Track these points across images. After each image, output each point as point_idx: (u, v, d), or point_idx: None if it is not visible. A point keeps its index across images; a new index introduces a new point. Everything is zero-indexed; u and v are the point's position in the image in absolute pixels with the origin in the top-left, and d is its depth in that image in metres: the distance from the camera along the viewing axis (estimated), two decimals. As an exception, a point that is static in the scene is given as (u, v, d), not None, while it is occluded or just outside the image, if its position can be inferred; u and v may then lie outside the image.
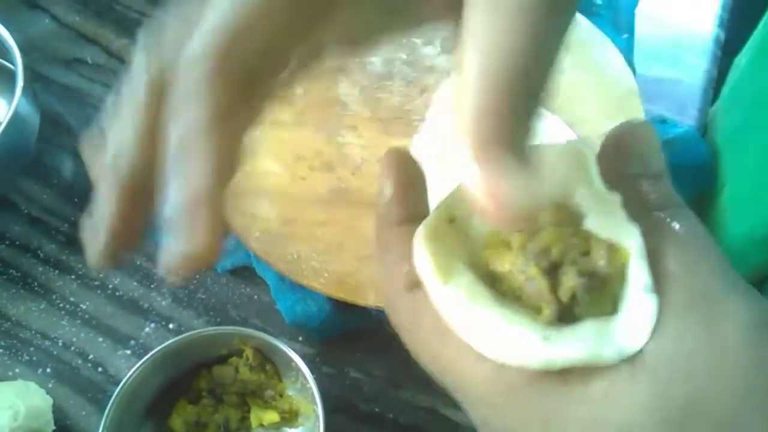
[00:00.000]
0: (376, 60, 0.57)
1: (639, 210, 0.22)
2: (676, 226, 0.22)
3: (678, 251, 0.21)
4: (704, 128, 0.58)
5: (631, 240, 0.22)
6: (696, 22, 0.63)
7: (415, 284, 0.23)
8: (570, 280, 0.21)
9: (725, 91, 0.58)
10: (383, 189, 0.24)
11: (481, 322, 0.21)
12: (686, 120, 0.58)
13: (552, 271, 0.22)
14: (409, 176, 0.24)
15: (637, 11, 0.59)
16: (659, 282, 0.21)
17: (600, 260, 0.22)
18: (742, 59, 0.56)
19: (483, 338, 0.21)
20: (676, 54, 0.61)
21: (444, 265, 0.22)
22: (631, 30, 0.58)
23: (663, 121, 0.55)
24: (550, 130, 0.51)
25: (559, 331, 0.21)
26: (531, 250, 0.22)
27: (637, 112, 0.53)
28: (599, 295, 0.22)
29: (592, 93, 0.54)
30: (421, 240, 0.23)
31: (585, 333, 0.21)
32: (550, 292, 0.22)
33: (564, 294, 0.22)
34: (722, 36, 0.63)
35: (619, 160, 0.23)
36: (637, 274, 0.21)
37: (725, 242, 0.53)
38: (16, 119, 0.50)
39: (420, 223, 0.23)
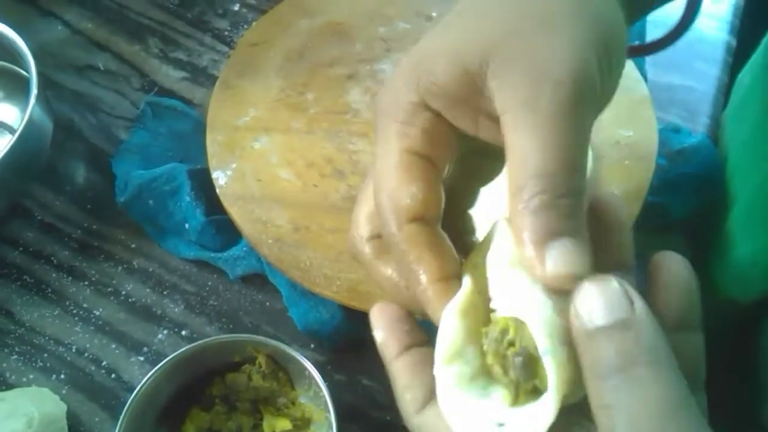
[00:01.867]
0: (386, 67, 0.58)
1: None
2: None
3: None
4: (715, 138, 0.58)
5: (530, 310, 0.23)
6: (707, 29, 0.63)
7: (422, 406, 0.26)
8: (509, 362, 0.23)
9: (729, 108, 0.58)
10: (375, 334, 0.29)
11: (459, 405, 0.24)
12: (697, 127, 0.58)
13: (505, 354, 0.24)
14: (396, 318, 0.29)
15: (648, 18, 0.59)
16: None
17: (517, 337, 0.23)
18: (745, 78, 0.56)
19: (459, 421, 0.24)
20: (687, 61, 0.61)
21: (456, 351, 0.25)
22: (642, 37, 0.58)
23: (677, 130, 0.55)
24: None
25: (518, 411, 0.23)
26: (490, 335, 0.24)
27: (649, 119, 0.53)
28: (535, 370, 0.23)
29: (604, 101, 0.54)
30: (450, 317, 0.25)
31: (531, 414, 0.23)
32: (503, 375, 0.24)
33: (512, 375, 0.23)
34: (733, 43, 0.63)
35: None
36: (539, 341, 0.22)
37: (731, 262, 0.53)
38: (30, 126, 0.50)
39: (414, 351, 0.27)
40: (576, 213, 0.24)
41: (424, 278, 0.26)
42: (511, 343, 0.23)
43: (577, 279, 0.23)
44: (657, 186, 0.51)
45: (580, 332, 0.22)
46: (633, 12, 0.31)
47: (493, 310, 0.25)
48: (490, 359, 0.24)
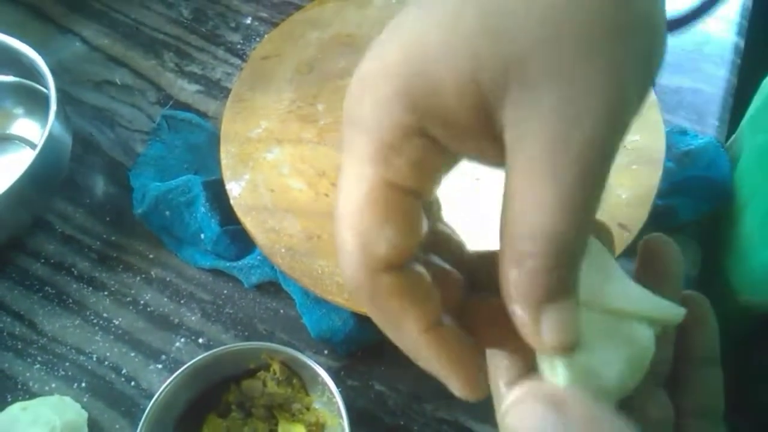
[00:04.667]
0: (395, 77, 0.58)
1: None
2: None
3: None
4: (728, 144, 0.58)
5: None
6: (715, 30, 0.63)
7: None
8: None
9: (751, 111, 0.58)
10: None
11: None
12: (706, 129, 0.58)
13: None
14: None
15: None
16: None
17: None
18: None
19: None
20: (695, 63, 0.61)
21: None
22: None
23: (684, 132, 0.55)
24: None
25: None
26: None
27: (656, 123, 0.53)
28: None
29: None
30: None
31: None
32: None
33: None
34: (742, 44, 0.62)
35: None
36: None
37: (750, 268, 0.52)
38: (50, 142, 0.52)
39: None
40: (577, 272, 0.22)
41: (411, 330, 0.22)
42: None
43: (570, 346, 0.22)
44: (665, 189, 0.51)
45: None
46: None
47: None
48: None
